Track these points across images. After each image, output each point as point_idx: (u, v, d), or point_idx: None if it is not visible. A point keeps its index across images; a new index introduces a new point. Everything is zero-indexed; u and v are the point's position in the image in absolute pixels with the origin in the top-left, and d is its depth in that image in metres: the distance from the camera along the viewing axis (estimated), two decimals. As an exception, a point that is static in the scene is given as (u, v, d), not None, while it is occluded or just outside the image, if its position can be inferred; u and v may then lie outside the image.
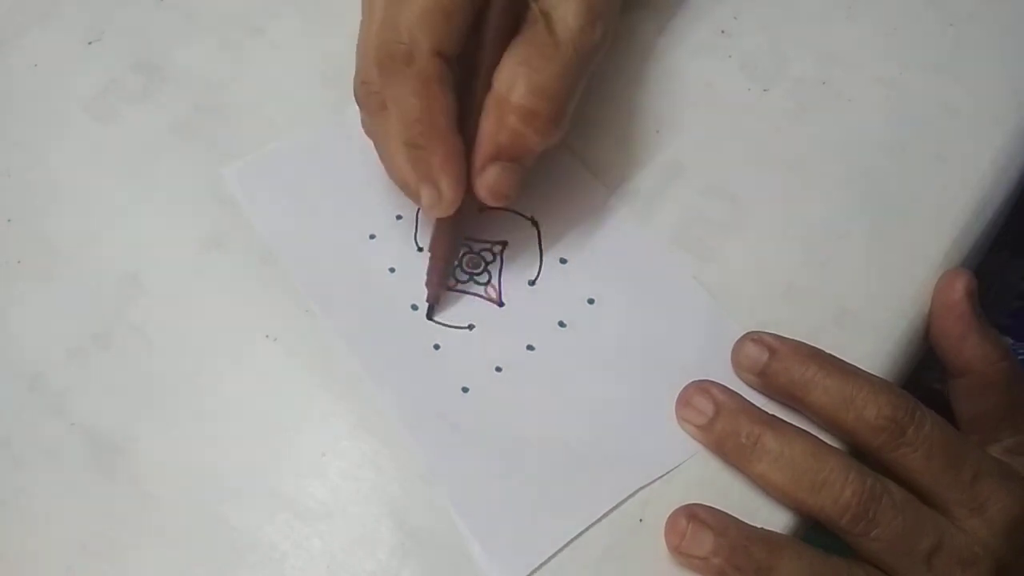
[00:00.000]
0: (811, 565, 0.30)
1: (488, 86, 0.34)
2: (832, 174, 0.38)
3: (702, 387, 0.33)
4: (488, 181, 0.34)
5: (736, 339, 0.34)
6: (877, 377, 0.33)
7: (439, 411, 0.34)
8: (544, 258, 0.37)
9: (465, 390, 0.35)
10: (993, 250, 0.39)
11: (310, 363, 0.35)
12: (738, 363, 0.34)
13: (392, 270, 0.37)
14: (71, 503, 0.34)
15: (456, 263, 0.37)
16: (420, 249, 0.37)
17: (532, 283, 0.37)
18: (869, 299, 0.35)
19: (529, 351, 0.35)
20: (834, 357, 0.33)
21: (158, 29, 0.42)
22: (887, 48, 0.40)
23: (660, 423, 0.34)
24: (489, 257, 0.37)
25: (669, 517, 0.32)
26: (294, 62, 0.41)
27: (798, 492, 0.31)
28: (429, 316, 0.36)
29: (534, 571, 0.32)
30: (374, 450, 0.34)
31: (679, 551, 0.31)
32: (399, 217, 0.38)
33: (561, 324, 0.36)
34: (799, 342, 0.34)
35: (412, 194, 0.34)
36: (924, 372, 0.36)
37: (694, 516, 0.31)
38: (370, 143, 0.36)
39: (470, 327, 0.36)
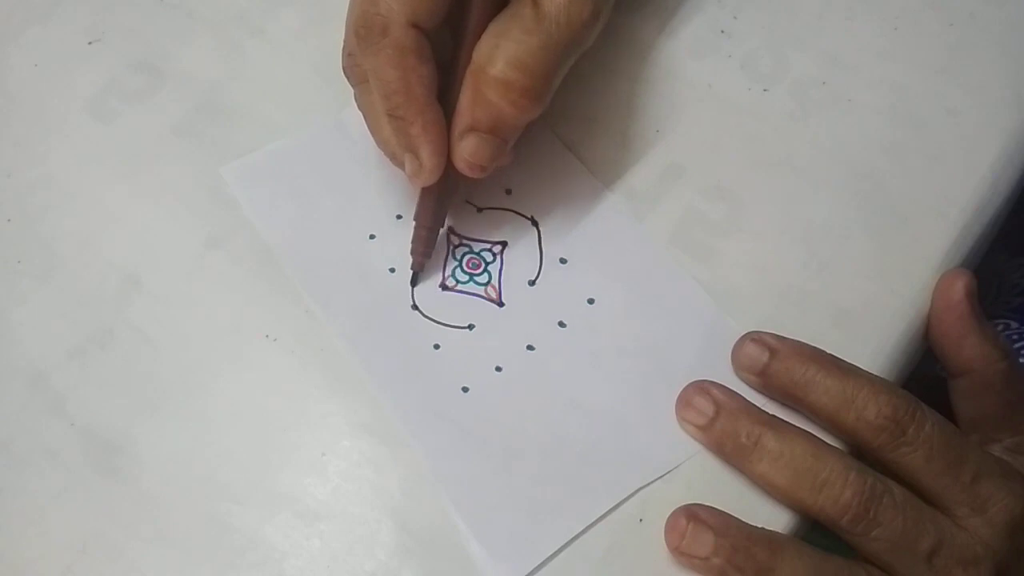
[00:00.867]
0: (812, 565, 0.30)
1: (471, 58, 0.34)
2: (832, 174, 0.38)
3: (702, 387, 0.33)
4: (465, 152, 0.34)
5: (736, 339, 0.34)
6: (877, 377, 0.33)
7: (439, 411, 0.34)
8: (544, 258, 0.37)
9: (465, 390, 0.35)
10: (993, 250, 0.39)
11: (310, 363, 0.35)
12: (738, 363, 0.34)
13: (392, 270, 0.37)
14: (71, 503, 0.34)
15: (456, 263, 0.37)
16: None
17: (532, 283, 0.37)
18: (869, 299, 0.35)
19: (529, 351, 0.35)
20: (834, 357, 0.33)
21: (158, 29, 0.42)
22: (887, 48, 0.40)
23: (660, 423, 0.34)
24: (489, 257, 0.37)
25: (669, 517, 0.32)
26: (294, 62, 0.41)
27: (798, 492, 0.31)
28: (413, 283, 0.36)
29: (534, 571, 0.32)
30: (374, 450, 0.34)
31: (679, 551, 0.31)
32: (399, 217, 0.38)
33: (561, 324, 0.36)
34: (799, 342, 0.34)
35: (398, 163, 0.35)
36: (931, 363, 0.36)
37: (694, 516, 0.31)
38: (364, 123, 0.36)
39: (470, 327, 0.36)
